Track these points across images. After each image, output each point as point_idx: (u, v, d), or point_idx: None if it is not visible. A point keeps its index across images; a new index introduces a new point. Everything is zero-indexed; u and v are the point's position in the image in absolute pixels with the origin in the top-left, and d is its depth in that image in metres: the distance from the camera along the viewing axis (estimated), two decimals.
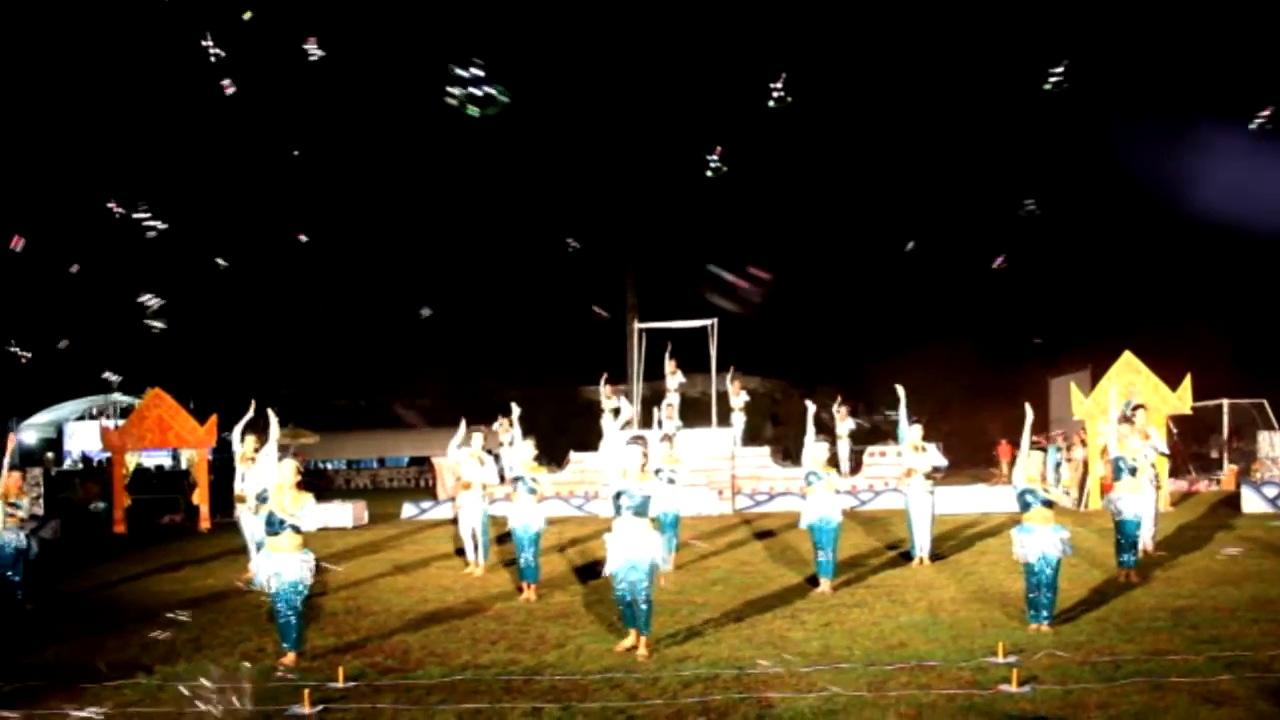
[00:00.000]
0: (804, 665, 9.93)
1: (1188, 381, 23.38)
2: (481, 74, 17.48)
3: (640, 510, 10.71)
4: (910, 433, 16.38)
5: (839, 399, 29.49)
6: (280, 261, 41.21)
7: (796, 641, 11.03)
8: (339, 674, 9.94)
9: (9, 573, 14.13)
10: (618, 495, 10.80)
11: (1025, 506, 11.47)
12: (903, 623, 11.80)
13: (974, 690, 8.90)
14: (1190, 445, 31.47)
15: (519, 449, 15.13)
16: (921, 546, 16.05)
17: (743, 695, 8.99)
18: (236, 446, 16.04)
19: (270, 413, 11.38)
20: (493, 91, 17.87)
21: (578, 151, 41.33)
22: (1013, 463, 32.62)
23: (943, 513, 18.20)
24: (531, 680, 9.77)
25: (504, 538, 17.49)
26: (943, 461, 16.81)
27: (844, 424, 28.95)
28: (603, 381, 23.62)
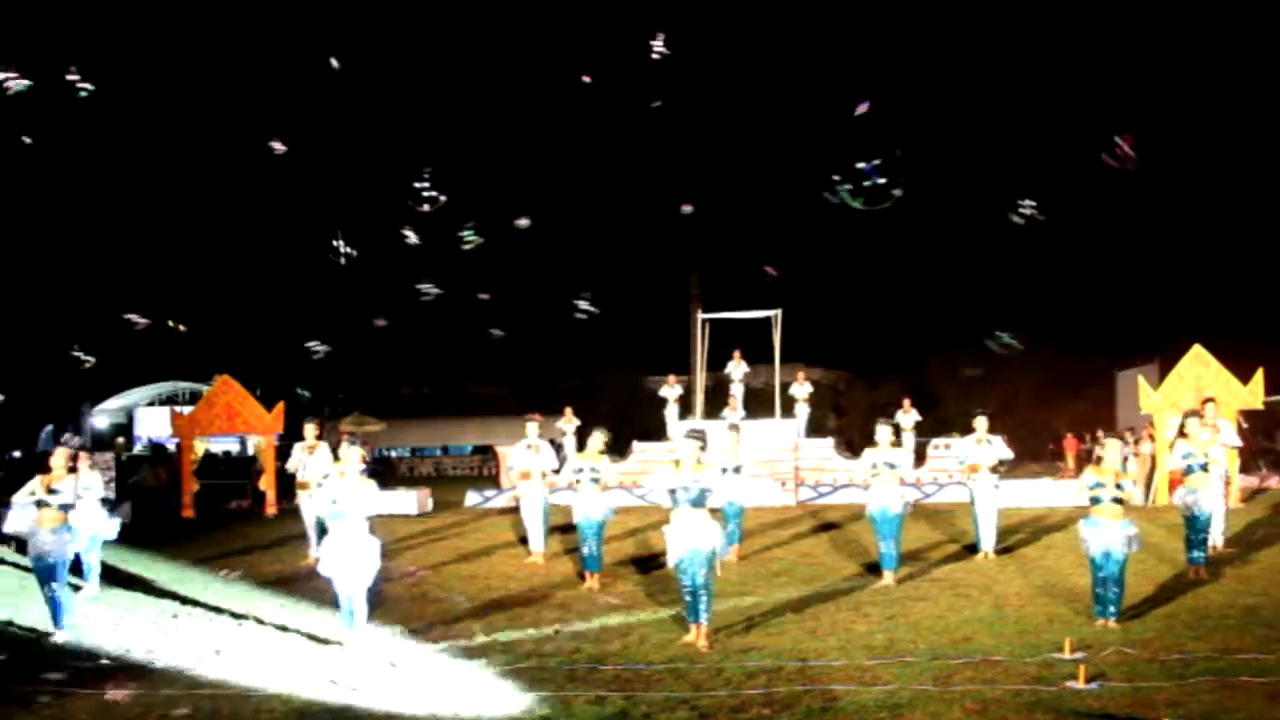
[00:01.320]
0: (868, 658, 9.89)
1: (1259, 375, 23.05)
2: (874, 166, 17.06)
3: (698, 501, 10.71)
4: (976, 425, 16.26)
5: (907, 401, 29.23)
6: (353, 250, 41.51)
7: (860, 634, 10.99)
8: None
9: (84, 551, 14.29)
10: (673, 490, 10.81)
11: (1094, 500, 11.35)
12: (967, 617, 11.72)
13: (1040, 686, 8.82)
14: (1261, 440, 31.02)
15: (593, 438, 15.12)
16: (987, 540, 15.94)
17: (806, 687, 8.96)
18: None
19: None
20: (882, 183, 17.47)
21: (644, 140, 41.27)
22: (1079, 456, 32.44)
23: (1008, 506, 18.06)
24: (595, 669, 9.79)
25: (567, 527, 17.53)
26: (1009, 454, 16.63)
27: (907, 416, 28.77)
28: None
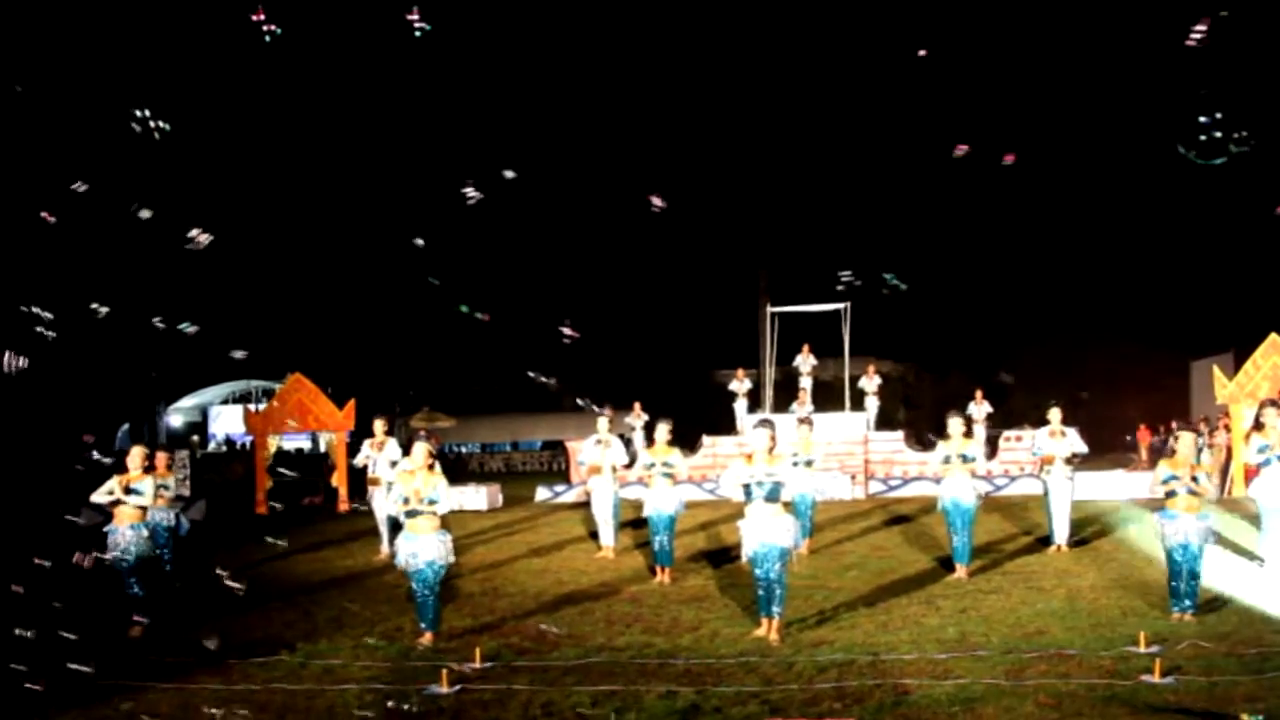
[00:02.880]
0: (940, 652, 9.84)
1: None
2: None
3: (772, 495, 10.68)
4: (1051, 417, 16.11)
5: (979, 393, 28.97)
6: (418, 250, 41.77)
7: (932, 628, 10.93)
8: (476, 654, 10.06)
9: (160, 551, 14.50)
10: (746, 484, 10.79)
11: (1170, 494, 11.22)
12: (1040, 610, 11.63)
13: (1115, 680, 8.73)
14: None
15: (658, 431, 15.17)
16: (1060, 533, 15.80)
17: (878, 681, 8.93)
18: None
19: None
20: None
21: (716, 137, 41.25)
22: (1152, 448, 32.05)
23: (1081, 498, 17.89)
24: (666, 663, 9.81)
25: (638, 522, 17.57)
26: (1083, 447, 16.48)
27: (979, 408, 28.57)
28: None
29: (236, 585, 13.10)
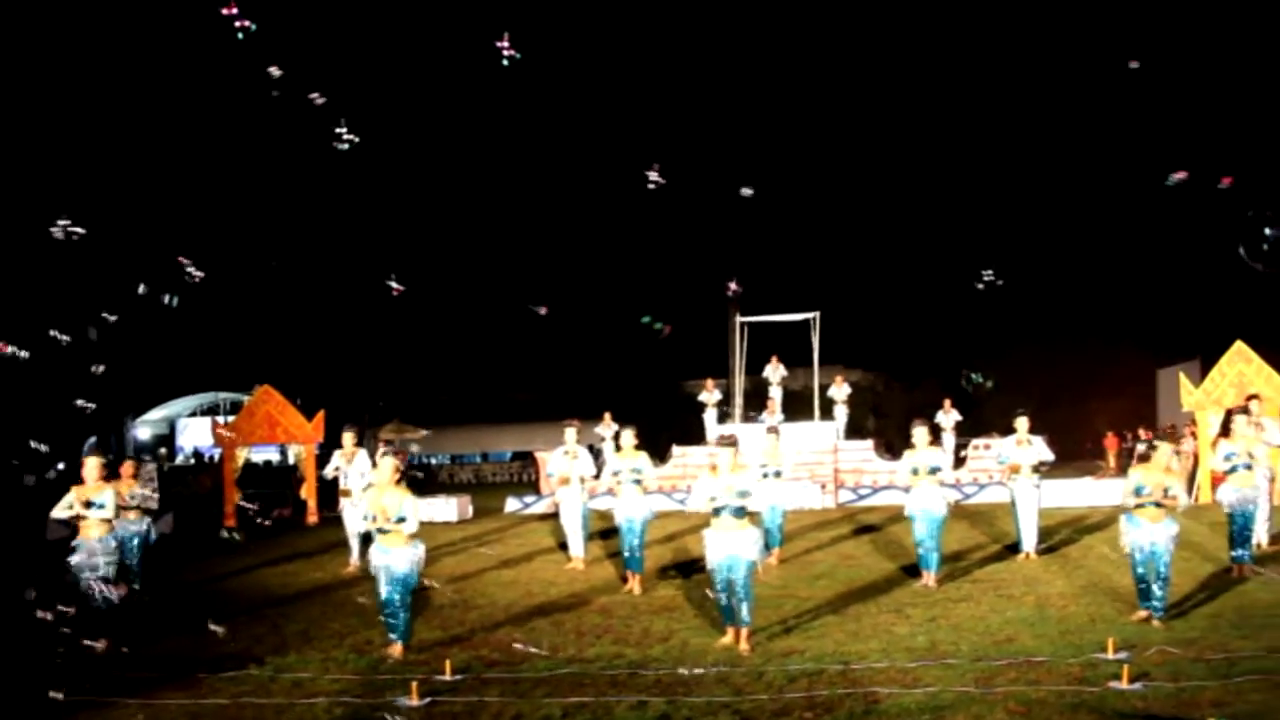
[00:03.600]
0: (910, 660, 9.87)
1: None
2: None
3: (738, 511, 10.73)
4: (1017, 425, 16.17)
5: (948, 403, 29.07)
6: (386, 259, 41.71)
7: (902, 636, 10.96)
8: (446, 666, 10.04)
9: (129, 563, 14.41)
10: (713, 498, 10.82)
11: (1139, 505, 11.28)
12: (1010, 617, 11.68)
13: (1083, 686, 8.78)
14: None
15: (624, 437, 15.22)
16: (1028, 540, 15.86)
17: (848, 690, 8.96)
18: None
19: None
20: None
21: (685, 142, 41.35)
22: (1120, 455, 32.24)
23: (1049, 506, 17.97)
24: (637, 674, 9.81)
25: (607, 532, 17.56)
26: (1049, 455, 16.54)
27: (948, 416, 28.68)
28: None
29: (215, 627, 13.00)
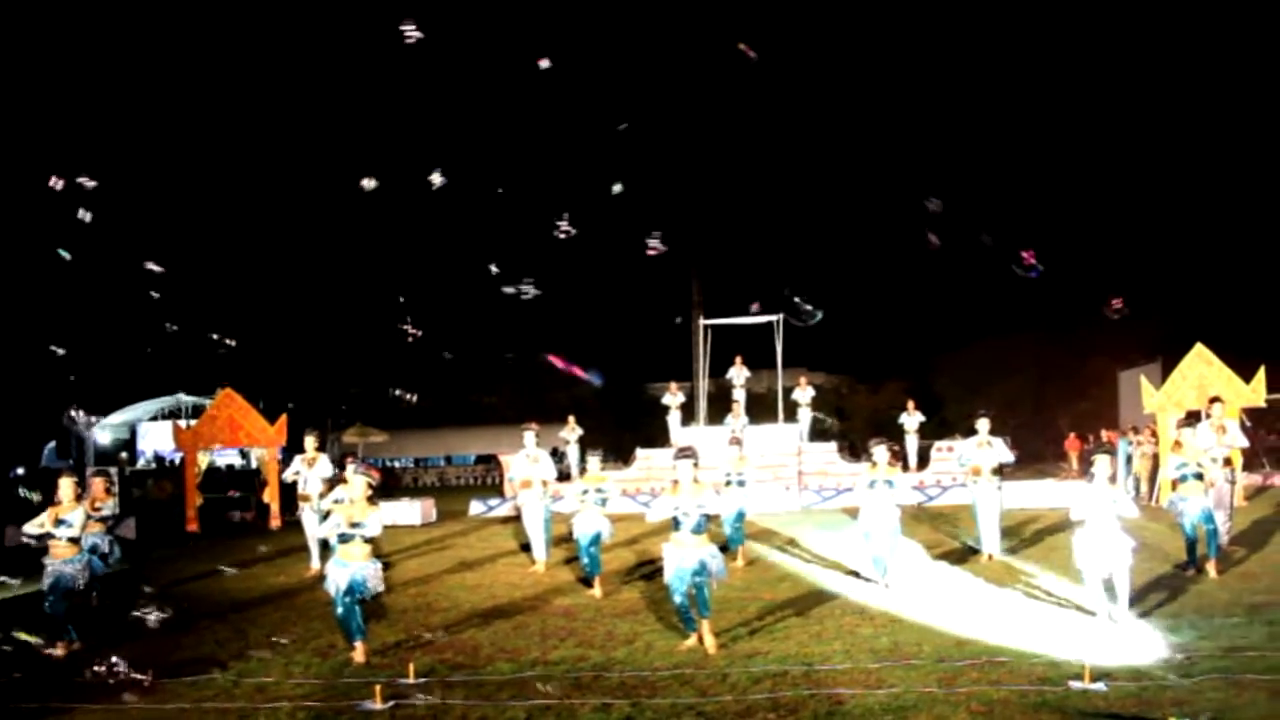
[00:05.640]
0: (873, 661, 9.89)
1: (1261, 373, 23.07)
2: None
3: (698, 528, 10.77)
4: (979, 427, 16.24)
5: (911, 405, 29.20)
6: (346, 261, 41.63)
7: (865, 637, 10.99)
8: (410, 670, 10.02)
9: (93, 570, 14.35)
10: (674, 516, 10.87)
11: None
12: (971, 618, 11.72)
13: (1045, 686, 8.83)
14: (1264, 438, 31.02)
15: (590, 462, 15.23)
16: (989, 542, 15.93)
17: (812, 691, 8.97)
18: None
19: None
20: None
21: (644, 144, 41.32)
22: (1082, 457, 32.42)
23: (1011, 507, 18.06)
24: (600, 676, 9.81)
25: (570, 535, 17.59)
26: (1010, 457, 16.61)
27: (911, 418, 28.79)
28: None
29: (159, 613, 12.91)
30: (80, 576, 12.42)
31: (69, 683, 10.47)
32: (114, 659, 11.16)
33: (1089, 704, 8.36)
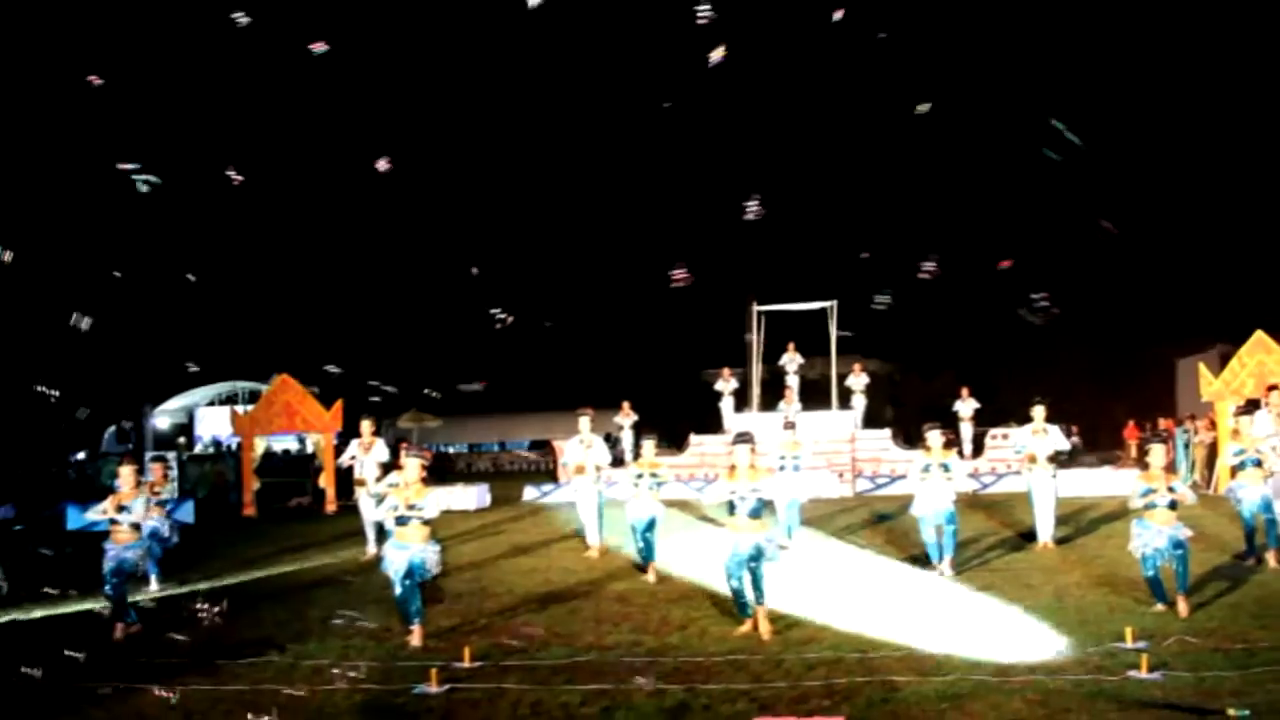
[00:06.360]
0: (928, 649, 9.87)
1: None
2: None
3: (754, 512, 10.78)
4: (1034, 414, 16.13)
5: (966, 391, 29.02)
6: (407, 250, 41.84)
7: (920, 625, 10.95)
8: (465, 654, 10.07)
9: (152, 555, 14.54)
10: (730, 501, 10.88)
11: (1150, 505, 11.27)
12: (1027, 607, 11.66)
13: (1102, 676, 8.77)
14: None
15: (645, 447, 15.20)
16: (1044, 530, 15.84)
17: (867, 679, 8.95)
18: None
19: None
20: None
21: (700, 133, 41.24)
22: (1140, 445, 32.11)
23: (1068, 495, 17.93)
24: (655, 661, 9.82)
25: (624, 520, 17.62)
26: (1066, 444, 16.51)
27: (965, 405, 28.62)
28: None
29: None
30: (141, 561, 12.63)
31: (129, 664, 10.60)
32: (173, 641, 11.33)
33: (1146, 693, 8.30)
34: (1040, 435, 15.93)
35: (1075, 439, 32.48)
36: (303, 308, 42.94)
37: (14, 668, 10.13)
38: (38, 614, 13.66)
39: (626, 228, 44.08)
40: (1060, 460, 16.39)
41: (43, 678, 9.90)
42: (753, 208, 16.19)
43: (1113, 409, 41.75)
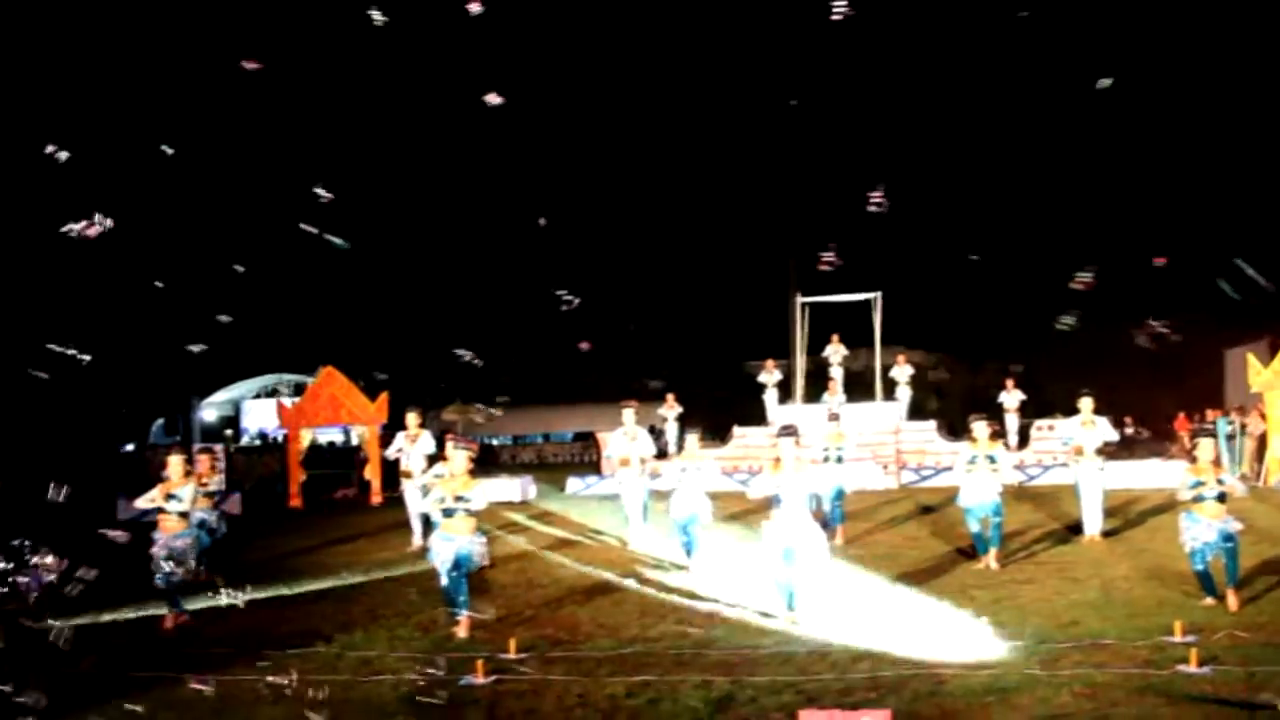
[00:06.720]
0: (974, 641, 9.83)
1: None
2: None
3: (800, 506, 10.78)
4: (1081, 406, 16.02)
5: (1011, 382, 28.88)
6: (448, 244, 41.98)
7: (966, 617, 10.92)
8: (511, 645, 10.12)
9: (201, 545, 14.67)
10: (775, 495, 10.88)
11: (1198, 498, 11.17)
12: (1075, 600, 11.60)
13: (1151, 670, 8.71)
14: None
15: (688, 441, 15.20)
16: (1092, 523, 15.74)
17: (913, 671, 8.94)
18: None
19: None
20: None
21: (739, 124, 41.17)
22: (1192, 436, 31.85)
23: (1116, 487, 17.79)
24: (700, 653, 9.84)
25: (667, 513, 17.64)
26: (1114, 436, 16.38)
27: (1011, 396, 28.47)
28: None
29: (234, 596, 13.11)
30: (189, 550, 12.73)
31: (177, 654, 10.71)
32: (220, 632, 11.44)
33: (1195, 687, 8.24)
34: (1089, 427, 15.82)
35: (1131, 430, 32.29)
36: (349, 300, 43.16)
37: (67, 657, 10.24)
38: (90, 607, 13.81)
39: (672, 218, 44.06)
40: (1110, 451, 16.25)
41: (94, 667, 10.01)
42: (877, 198, 16.09)
43: (1160, 400, 41.41)
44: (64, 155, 13.22)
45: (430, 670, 9.59)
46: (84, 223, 13.20)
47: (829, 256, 18.38)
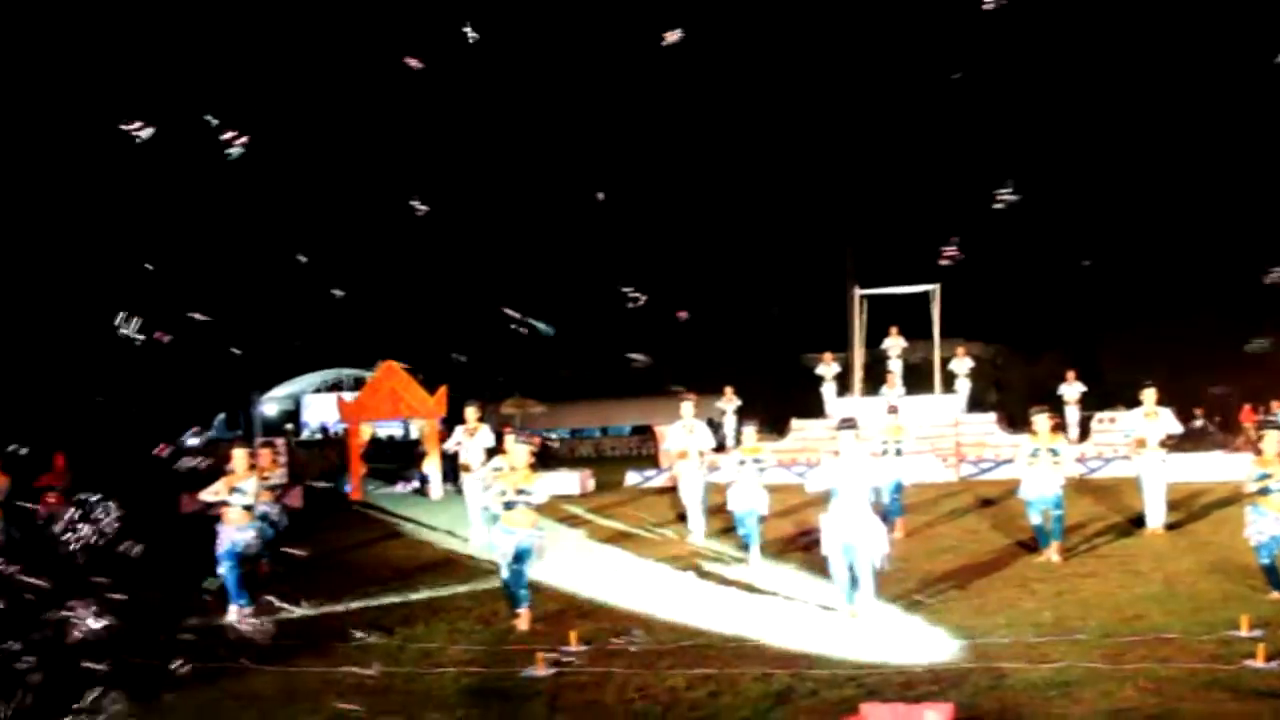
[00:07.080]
0: (1036, 636, 9.78)
1: None
2: None
3: (860, 499, 10.75)
4: (1144, 397, 15.85)
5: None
6: (507, 240, 42.16)
7: (1028, 611, 10.86)
8: (571, 638, 10.17)
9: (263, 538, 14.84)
10: (834, 486, 10.87)
11: (1264, 490, 11.04)
12: (1138, 594, 11.50)
13: (1216, 665, 8.61)
14: None
15: (746, 433, 15.17)
16: (1154, 516, 15.57)
17: (974, 665, 8.90)
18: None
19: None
20: None
21: (799, 115, 41.00)
22: (1258, 428, 31.46)
23: (1179, 480, 17.60)
24: (760, 646, 9.85)
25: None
26: (1177, 428, 16.19)
27: (1071, 388, 28.21)
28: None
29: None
30: (253, 543, 12.89)
31: (241, 646, 10.84)
32: (284, 624, 11.57)
33: (1263, 682, 8.14)
34: (1152, 418, 15.66)
35: (1200, 422, 31.96)
36: (409, 294, 43.40)
37: (131, 648, 10.39)
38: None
39: (730, 209, 43.98)
40: (1174, 443, 16.08)
41: (158, 658, 10.15)
42: (1005, 194, 15.98)
43: (1217, 391, 40.91)
44: (146, 132, 13.24)
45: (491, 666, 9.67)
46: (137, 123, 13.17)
47: (951, 250, 18.14)
